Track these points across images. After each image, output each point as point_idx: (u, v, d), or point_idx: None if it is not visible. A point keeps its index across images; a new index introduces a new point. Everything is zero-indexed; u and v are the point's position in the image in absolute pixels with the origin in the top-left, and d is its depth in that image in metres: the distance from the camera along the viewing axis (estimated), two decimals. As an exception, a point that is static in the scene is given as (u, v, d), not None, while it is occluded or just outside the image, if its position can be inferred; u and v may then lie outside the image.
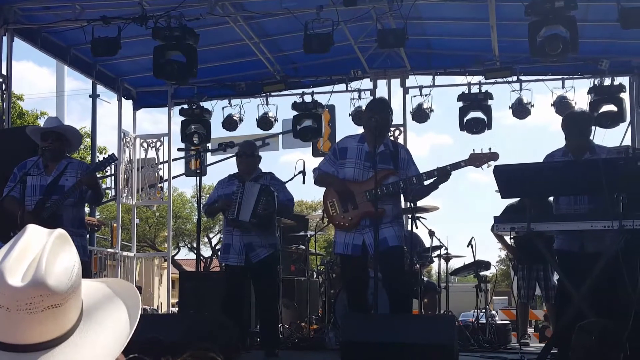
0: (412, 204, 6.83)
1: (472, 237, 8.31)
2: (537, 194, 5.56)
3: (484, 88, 9.79)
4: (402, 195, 5.88)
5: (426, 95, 10.09)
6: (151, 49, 8.18)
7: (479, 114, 9.73)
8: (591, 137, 5.59)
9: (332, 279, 8.08)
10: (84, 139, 20.63)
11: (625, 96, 9.49)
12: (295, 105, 10.26)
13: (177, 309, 11.02)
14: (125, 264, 11.03)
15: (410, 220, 7.14)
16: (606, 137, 19.36)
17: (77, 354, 1.20)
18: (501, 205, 7.38)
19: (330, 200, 5.73)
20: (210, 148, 10.11)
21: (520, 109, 9.80)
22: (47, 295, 1.15)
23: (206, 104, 10.52)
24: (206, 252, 33.37)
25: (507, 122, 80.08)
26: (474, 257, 8.22)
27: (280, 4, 8.30)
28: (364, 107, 9.03)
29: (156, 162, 11.30)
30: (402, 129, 10.23)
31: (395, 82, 10.25)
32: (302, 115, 10.23)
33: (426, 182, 5.61)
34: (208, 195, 7.03)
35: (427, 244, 8.19)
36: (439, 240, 8.28)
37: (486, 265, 8.30)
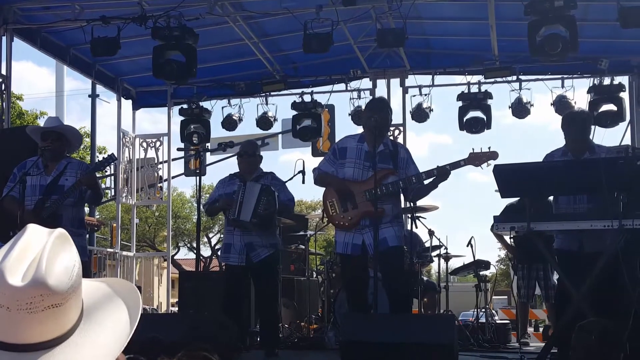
0: (411, 204, 6.84)
1: (472, 237, 8.34)
2: (537, 194, 5.56)
3: (483, 87, 9.80)
4: (401, 195, 5.89)
5: (425, 94, 10.11)
6: (150, 48, 8.18)
7: (478, 114, 9.73)
8: (591, 137, 5.59)
9: (332, 278, 8.08)
10: (84, 138, 20.60)
11: (624, 95, 9.49)
12: (294, 105, 10.26)
13: (176, 308, 11.02)
14: (125, 263, 11.03)
15: (410, 219, 7.15)
16: (606, 137, 19.37)
17: (78, 354, 1.20)
18: (501, 204, 7.39)
19: (329, 200, 5.73)
20: (209, 148, 10.12)
21: (520, 109, 9.80)
22: (48, 295, 1.14)
23: (206, 104, 10.53)
24: (206, 251, 33.42)
25: (507, 121, 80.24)
26: (474, 257, 8.23)
27: (279, 4, 8.30)
28: (363, 107, 9.03)
29: (156, 162, 11.30)
30: (401, 128, 10.23)
31: (395, 82, 10.26)
32: (302, 115, 10.23)
33: (426, 182, 5.62)
34: (208, 195, 7.04)
35: (427, 244, 8.19)
36: (439, 239, 8.31)
37: (486, 264, 8.31)
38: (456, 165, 5.56)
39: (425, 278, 8.64)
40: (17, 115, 19.29)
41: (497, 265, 27.25)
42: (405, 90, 10.20)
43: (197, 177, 6.64)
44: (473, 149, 5.56)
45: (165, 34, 7.96)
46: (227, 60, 10.27)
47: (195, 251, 11.45)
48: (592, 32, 8.89)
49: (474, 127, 9.67)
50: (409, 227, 7.50)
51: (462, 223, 61.69)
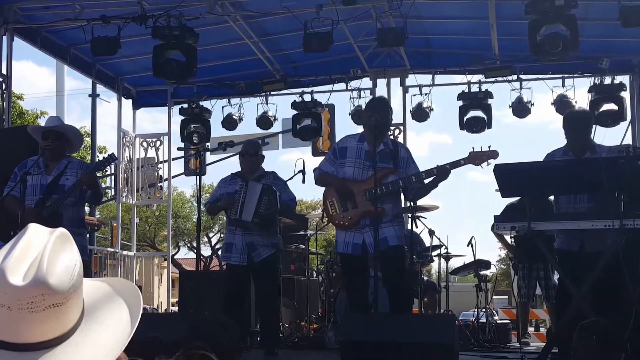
0: (412, 203, 6.84)
1: (472, 237, 8.35)
2: (538, 193, 5.55)
3: (483, 87, 9.79)
4: (402, 195, 5.88)
5: (426, 94, 10.11)
6: (151, 48, 8.18)
7: (478, 113, 9.72)
8: (591, 136, 5.58)
9: (332, 278, 8.08)
10: (84, 138, 20.60)
11: (625, 95, 9.48)
12: (294, 105, 10.26)
13: (177, 308, 11.02)
14: (125, 263, 11.03)
15: (410, 219, 7.14)
16: (607, 136, 19.37)
17: (79, 353, 1.20)
18: (501, 204, 7.39)
19: (330, 200, 5.73)
20: (209, 147, 10.12)
21: (521, 108, 9.80)
22: (49, 295, 1.14)
23: (206, 103, 10.53)
24: (206, 251, 33.42)
25: (507, 121, 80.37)
26: (474, 257, 8.23)
27: (279, 3, 8.30)
28: (363, 106, 9.03)
29: (156, 161, 11.31)
30: (401, 128, 10.23)
31: (395, 81, 10.26)
32: (302, 115, 10.22)
33: (426, 181, 5.61)
34: (208, 195, 7.04)
35: (427, 243, 8.19)
36: (439, 239, 8.30)
37: (486, 264, 8.31)
38: (456, 164, 5.56)
39: (425, 278, 8.64)
40: (17, 114, 19.30)
41: (498, 265, 27.29)
42: (405, 90, 10.20)
43: (198, 177, 6.64)
44: (473, 148, 5.56)
45: (165, 34, 7.96)
46: (227, 59, 10.27)
47: (195, 251, 11.46)
48: (592, 31, 8.89)
49: (475, 126, 9.67)
50: (409, 227, 7.49)
51: (462, 223, 61.79)
